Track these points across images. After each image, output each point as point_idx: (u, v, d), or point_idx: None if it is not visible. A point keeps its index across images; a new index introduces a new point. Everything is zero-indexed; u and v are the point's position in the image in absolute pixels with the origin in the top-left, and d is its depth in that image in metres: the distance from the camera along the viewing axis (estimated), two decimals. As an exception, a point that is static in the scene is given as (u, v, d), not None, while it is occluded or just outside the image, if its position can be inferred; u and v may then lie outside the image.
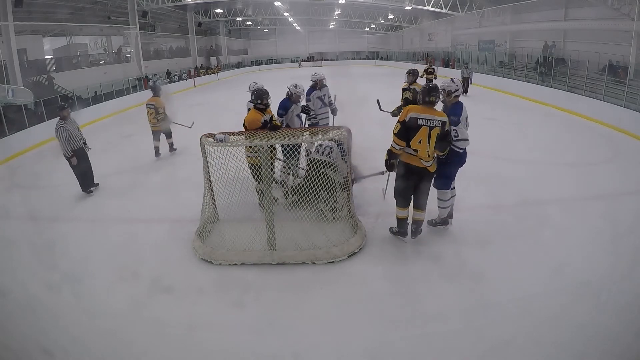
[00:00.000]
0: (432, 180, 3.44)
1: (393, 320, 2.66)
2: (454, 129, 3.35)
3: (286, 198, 4.09)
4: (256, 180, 3.68)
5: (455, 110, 3.43)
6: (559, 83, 11.12)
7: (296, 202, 3.73)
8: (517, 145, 6.64)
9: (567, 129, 8.20)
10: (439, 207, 3.60)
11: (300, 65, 31.07)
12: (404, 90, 5.24)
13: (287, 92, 4.65)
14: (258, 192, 4.02)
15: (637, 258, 3.25)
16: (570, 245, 3.45)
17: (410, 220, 3.50)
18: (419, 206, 3.41)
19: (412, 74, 5.58)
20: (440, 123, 3.16)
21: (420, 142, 3.15)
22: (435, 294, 2.92)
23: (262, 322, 2.69)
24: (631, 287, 2.87)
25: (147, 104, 6.55)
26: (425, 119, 3.12)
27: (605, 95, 9.03)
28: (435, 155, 3.31)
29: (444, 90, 3.47)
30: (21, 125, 8.51)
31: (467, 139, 3.41)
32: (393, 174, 3.56)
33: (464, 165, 3.58)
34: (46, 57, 14.68)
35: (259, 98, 3.96)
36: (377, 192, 4.54)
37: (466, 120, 3.50)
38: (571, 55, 11.87)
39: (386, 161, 3.35)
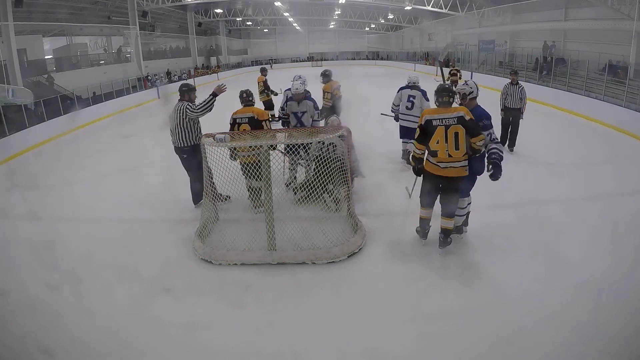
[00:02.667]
0: (458, 186, 3.22)
1: (393, 320, 2.67)
2: (491, 132, 3.17)
3: (295, 194, 4.15)
4: (254, 178, 3.68)
5: (483, 112, 3.23)
6: (559, 83, 11.13)
7: (305, 198, 3.76)
8: (518, 145, 6.62)
9: (567, 129, 8.20)
10: (455, 214, 3.47)
11: (271, 67, 30.63)
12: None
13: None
14: (252, 190, 4.06)
15: (637, 258, 3.25)
16: (570, 245, 3.45)
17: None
18: (444, 214, 3.31)
19: (325, 75, 5.72)
20: (456, 119, 3.06)
21: (438, 142, 3.11)
22: (435, 294, 2.92)
23: (262, 322, 2.68)
24: (631, 287, 2.87)
25: None
26: (439, 119, 3.10)
27: (605, 95, 9.04)
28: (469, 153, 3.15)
29: (457, 93, 3.37)
30: (21, 125, 8.51)
31: (500, 141, 3.23)
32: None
33: None
34: (46, 57, 14.67)
35: (250, 96, 4.38)
36: (377, 191, 4.54)
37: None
38: (571, 55, 11.89)
39: (413, 167, 3.37)
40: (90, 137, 9.46)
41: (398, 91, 5.41)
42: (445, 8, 18.21)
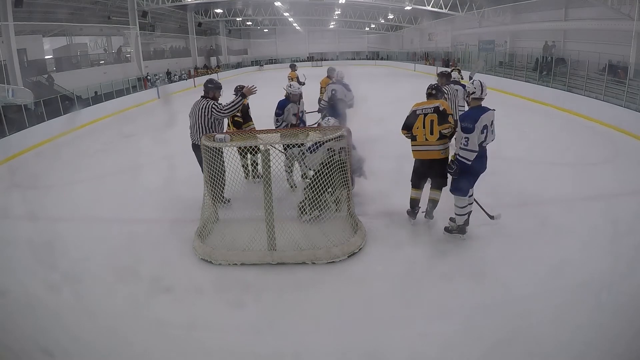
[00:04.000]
0: (442, 164, 3.58)
1: (393, 320, 2.66)
2: (465, 137, 3.28)
3: (302, 215, 3.89)
4: (252, 153, 3.88)
5: (471, 115, 3.34)
6: (559, 83, 11.12)
7: (314, 219, 3.78)
8: (517, 145, 6.62)
9: (567, 129, 8.19)
10: (455, 213, 3.55)
11: (262, 66, 30.75)
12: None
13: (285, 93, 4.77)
14: (247, 166, 4.33)
15: (637, 258, 3.25)
16: (570, 245, 3.45)
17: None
18: (433, 186, 3.75)
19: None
20: (433, 109, 3.57)
21: (417, 128, 3.62)
22: (435, 294, 2.92)
23: (262, 322, 2.69)
24: (631, 287, 2.87)
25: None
26: (421, 109, 3.64)
27: (605, 95, 9.03)
28: (447, 138, 3.60)
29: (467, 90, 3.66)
30: (21, 125, 8.50)
31: (474, 151, 3.26)
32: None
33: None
34: (46, 57, 14.66)
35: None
36: (377, 192, 4.54)
37: (486, 129, 3.28)
38: (571, 55, 11.87)
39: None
40: (90, 137, 9.46)
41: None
42: (445, 8, 18.18)
